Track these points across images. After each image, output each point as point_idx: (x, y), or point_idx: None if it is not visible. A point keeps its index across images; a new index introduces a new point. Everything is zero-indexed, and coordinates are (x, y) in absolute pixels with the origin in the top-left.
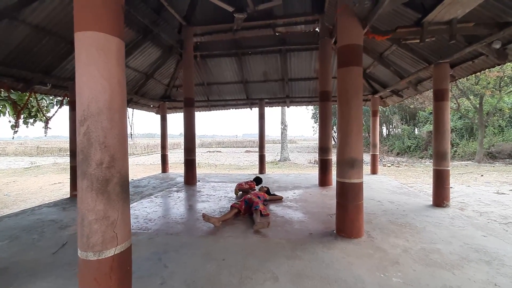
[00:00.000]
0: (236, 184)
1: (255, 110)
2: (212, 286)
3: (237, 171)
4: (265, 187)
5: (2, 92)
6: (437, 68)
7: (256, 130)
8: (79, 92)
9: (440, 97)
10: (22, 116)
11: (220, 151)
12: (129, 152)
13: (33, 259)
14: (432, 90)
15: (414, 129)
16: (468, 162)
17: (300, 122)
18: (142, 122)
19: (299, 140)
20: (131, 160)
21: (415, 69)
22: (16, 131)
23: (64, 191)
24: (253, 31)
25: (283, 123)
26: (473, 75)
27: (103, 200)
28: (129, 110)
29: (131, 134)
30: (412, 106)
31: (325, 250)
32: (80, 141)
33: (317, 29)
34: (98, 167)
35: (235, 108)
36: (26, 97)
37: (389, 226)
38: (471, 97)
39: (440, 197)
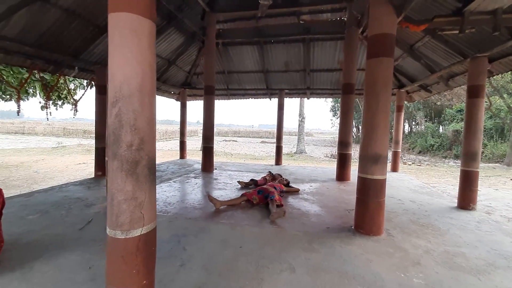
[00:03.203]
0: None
1: (273, 101)
2: (230, 272)
3: (253, 161)
4: (285, 179)
5: (36, 74)
6: (473, 62)
7: (272, 121)
8: (111, 73)
9: (474, 93)
10: (51, 98)
11: (236, 141)
12: None
13: (61, 233)
14: (464, 86)
15: (439, 127)
16: (496, 164)
17: (317, 114)
18: (160, 109)
19: (315, 133)
20: None
21: (449, 62)
22: (50, 113)
23: (88, 171)
24: (277, 19)
25: (301, 115)
26: (509, 72)
27: (132, 181)
28: None
29: None
30: (438, 103)
31: (343, 245)
32: (112, 122)
33: (344, 18)
34: (128, 149)
35: (255, 98)
36: (56, 80)
37: (410, 226)
38: (505, 95)
39: (466, 199)
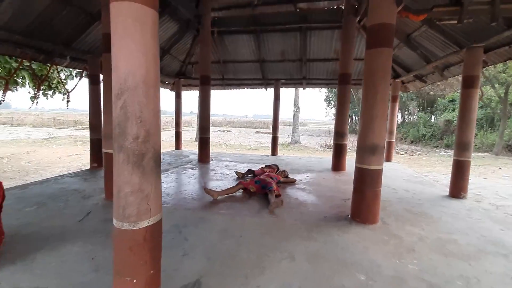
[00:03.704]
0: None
1: (268, 91)
2: (232, 261)
3: (248, 152)
4: (284, 172)
5: (24, 63)
6: (469, 53)
7: (266, 112)
8: (115, 65)
9: (469, 84)
10: (41, 88)
11: (230, 131)
12: None
13: (61, 225)
14: (458, 76)
15: (431, 117)
16: (485, 154)
17: (311, 104)
18: None
19: (309, 123)
20: None
21: (445, 53)
22: (37, 103)
23: (81, 162)
24: (273, 7)
25: (296, 105)
26: (501, 63)
27: (138, 174)
28: None
29: None
30: (431, 93)
31: (340, 234)
32: (117, 115)
33: (341, 6)
34: (134, 141)
35: (250, 88)
36: (47, 69)
37: (404, 214)
38: (496, 85)
39: (458, 188)
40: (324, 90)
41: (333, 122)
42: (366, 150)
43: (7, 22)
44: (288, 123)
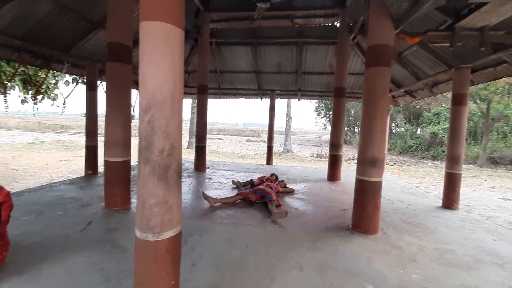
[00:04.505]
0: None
1: (257, 100)
2: (241, 271)
3: (241, 160)
4: (282, 181)
5: (20, 68)
6: (458, 72)
7: (257, 120)
8: (143, 80)
9: (458, 101)
10: (30, 92)
11: (221, 139)
12: (131, 134)
13: (63, 235)
14: (444, 93)
15: (417, 129)
16: (469, 165)
17: (301, 114)
18: None
19: (299, 132)
20: (134, 143)
21: (434, 71)
22: (37, 108)
23: (71, 169)
24: (271, 21)
25: (288, 115)
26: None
27: (163, 186)
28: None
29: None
30: (418, 106)
31: (343, 244)
32: (144, 128)
33: (336, 24)
34: (160, 154)
35: (246, 98)
36: (43, 74)
37: (402, 225)
38: (478, 101)
39: (450, 199)
40: (314, 100)
41: (323, 132)
42: (366, 163)
43: (7, 26)
44: (279, 132)
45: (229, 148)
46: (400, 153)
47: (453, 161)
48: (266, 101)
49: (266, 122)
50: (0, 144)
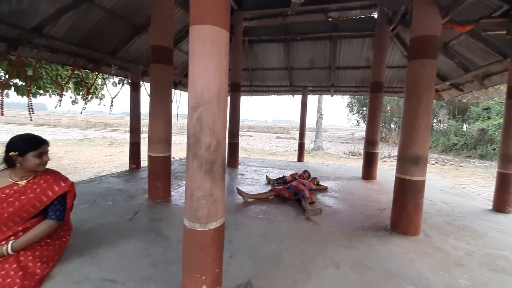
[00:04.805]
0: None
1: (287, 97)
2: (277, 265)
3: (271, 157)
4: (315, 178)
5: (78, 72)
6: None
7: (286, 117)
8: (193, 81)
9: None
10: (80, 93)
11: (251, 136)
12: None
13: (113, 223)
14: (497, 85)
15: (462, 126)
16: None
17: (332, 110)
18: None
19: (330, 129)
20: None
21: (486, 62)
22: (85, 108)
23: (115, 163)
24: (304, 16)
25: (319, 111)
26: None
27: (209, 179)
28: (177, 92)
29: (177, 115)
30: (464, 101)
31: (382, 244)
32: (193, 125)
33: (373, 15)
34: (207, 150)
35: (277, 95)
36: (94, 76)
37: (446, 227)
38: None
39: (503, 202)
40: (346, 96)
41: (356, 128)
42: (408, 161)
43: (65, 34)
44: (310, 128)
45: (259, 145)
46: (442, 151)
47: (507, 160)
48: (296, 98)
49: (296, 119)
50: (55, 140)
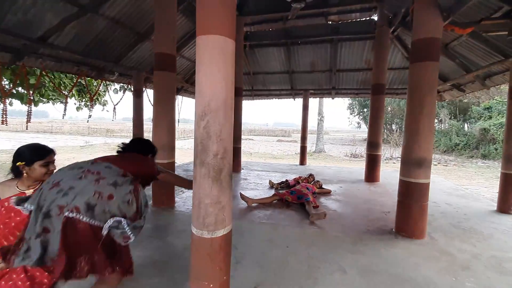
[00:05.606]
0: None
1: (289, 100)
2: (284, 271)
3: (273, 160)
4: (318, 181)
5: (80, 80)
6: None
7: (287, 120)
8: (200, 89)
9: None
10: (83, 100)
11: (252, 139)
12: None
13: None
14: (498, 85)
15: (464, 125)
16: None
17: (332, 112)
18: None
19: (331, 131)
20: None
21: (487, 62)
22: (90, 115)
23: None
24: (305, 20)
25: (320, 114)
26: None
27: (217, 187)
28: (179, 97)
29: (178, 120)
30: (465, 100)
31: (387, 248)
32: (200, 133)
33: (373, 17)
34: (214, 158)
35: (279, 98)
36: (98, 84)
37: (451, 230)
38: None
39: (507, 203)
40: (347, 98)
41: (357, 130)
42: (411, 163)
43: (69, 43)
44: (311, 131)
45: (260, 148)
46: (444, 151)
47: (510, 161)
48: (297, 101)
49: (296, 122)
50: (57, 147)
